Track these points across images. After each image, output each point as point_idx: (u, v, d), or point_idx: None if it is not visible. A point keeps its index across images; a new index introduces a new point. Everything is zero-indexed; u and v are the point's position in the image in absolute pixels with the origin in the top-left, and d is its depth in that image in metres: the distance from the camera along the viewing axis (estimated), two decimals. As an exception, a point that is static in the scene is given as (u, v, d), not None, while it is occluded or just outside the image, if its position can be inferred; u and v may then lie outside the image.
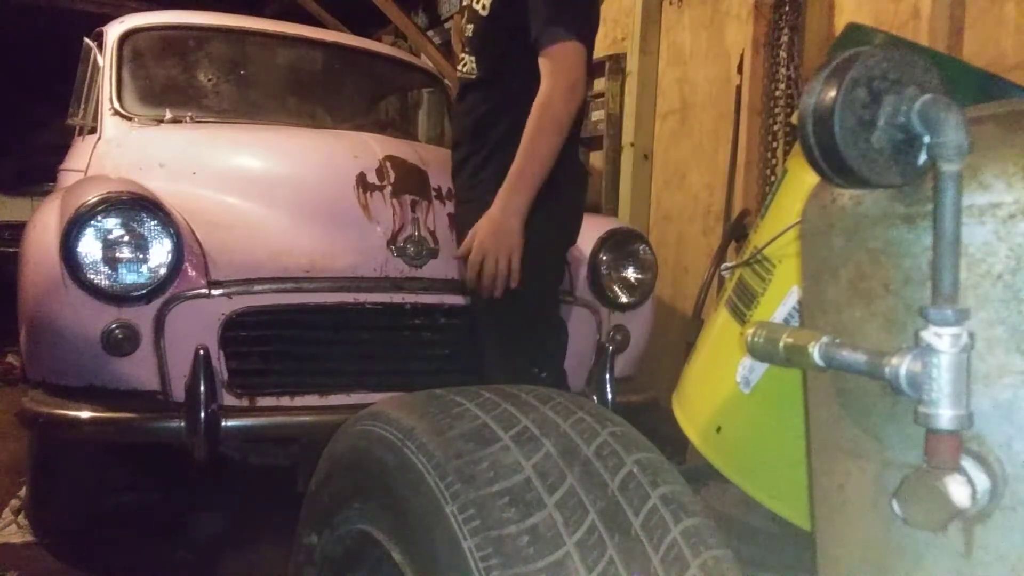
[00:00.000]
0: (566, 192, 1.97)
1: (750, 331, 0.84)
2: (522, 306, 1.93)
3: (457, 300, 2.28)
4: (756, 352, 0.83)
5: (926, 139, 0.70)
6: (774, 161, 3.23)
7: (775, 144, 3.24)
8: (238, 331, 2.09)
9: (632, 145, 4.09)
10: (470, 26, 1.96)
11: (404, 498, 0.79)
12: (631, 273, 2.58)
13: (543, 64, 1.80)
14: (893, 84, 0.70)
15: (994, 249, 0.70)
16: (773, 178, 3.19)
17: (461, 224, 2.03)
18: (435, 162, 2.40)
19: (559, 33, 1.77)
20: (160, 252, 2.01)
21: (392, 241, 2.24)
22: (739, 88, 3.48)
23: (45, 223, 2.09)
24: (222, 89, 3.28)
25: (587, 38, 1.84)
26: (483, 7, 1.90)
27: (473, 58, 1.95)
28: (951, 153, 0.68)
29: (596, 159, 4.34)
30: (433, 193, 2.31)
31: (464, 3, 2.03)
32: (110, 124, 2.90)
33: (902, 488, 0.70)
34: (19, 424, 2.17)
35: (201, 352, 1.99)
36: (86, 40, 3.39)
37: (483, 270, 1.82)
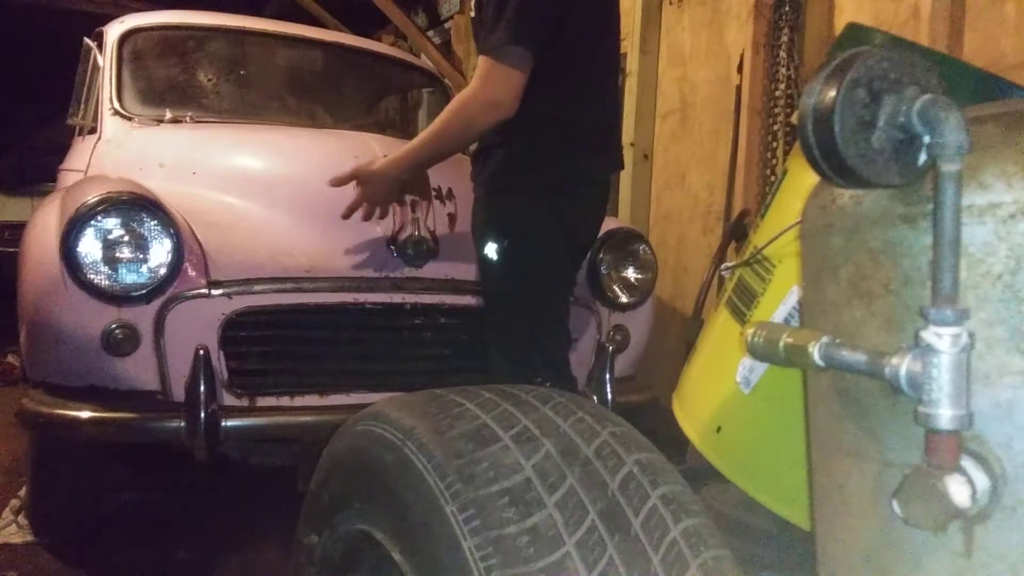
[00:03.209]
0: (574, 194, 1.96)
1: (750, 331, 0.84)
2: (521, 309, 1.92)
3: (457, 300, 2.28)
4: (756, 352, 0.83)
5: (926, 139, 0.70)
6: (774, 161, 3.23)
7: (775, 144, 3.24)
8: (238, 331, 2.09)
9: (632, 145, 4.09)
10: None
11: (404, 498, 0.79)
12: (631, 273, 2.58)
13: (478, 66, 1.83)
14: (893, 84, 0.70)
15: (994, 249, 0.71)
16: (773, 178, 3.19)
17: (472, 218, 2.04)
18: (435, 162, 2.40)
19: (498, 52, 1.78)
20: (160, 252, 2.01)
21: (392, 241, 2.24)
22: (739, 88, 3.48)
23: (45, 223, 2.09)
24: (222, 89, 3.27)
25: (542, 57, 1.79)
26: (471, 9, 1.94)
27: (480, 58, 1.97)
28: (951, 153, 0.68)
29: (596, 159, 4.34)
30: (433, 193, 2.31)
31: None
32: (110, 124, 2.90)
33: (902, 488, 0.70)
34: (19, 424, 2.17)
35: (201, 352, 1.99)
36: (86, 40, 3.39)
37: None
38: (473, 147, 2.05)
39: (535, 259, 1.91)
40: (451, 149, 1.96)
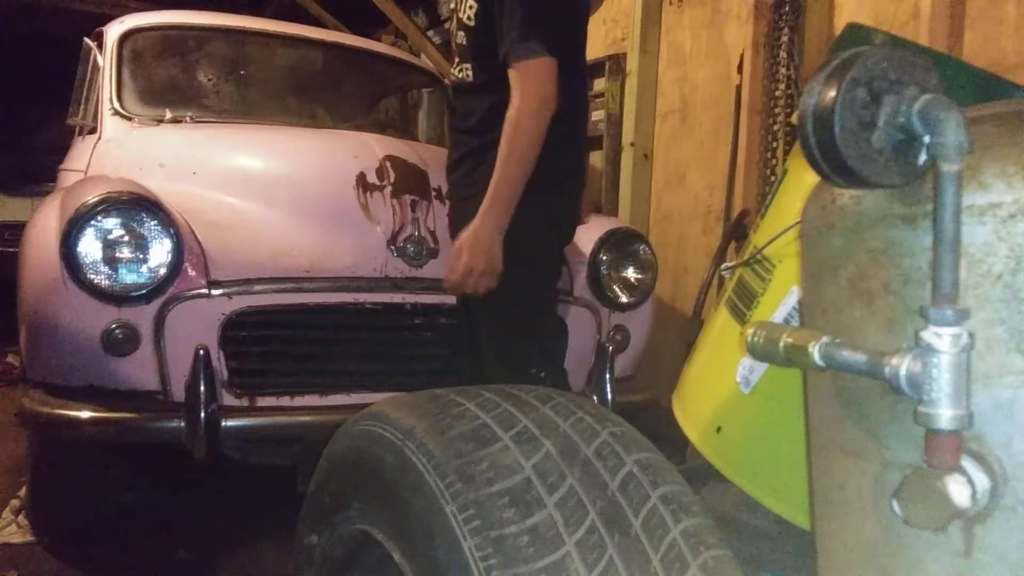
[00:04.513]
0: (564, 191, 1.98)
1: (750, 331, 0.84)
2: (519, 307, 1.94)
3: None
4: (756, 352, 0.83)
5: (926, 139, 0.70)
6: (774, 161, 3.23)
7: (775, 144, 3.24)
8: (238, 331, 2.09)
9: (632, 145, 4.09)
10: (460, 33, 2.00)
11: (404, 498, 0.79)
12: (631, 273, 2.58)
13: (512, 79, 1.83)
14: (893, 84, 0.70)
15: (994, 249, 0.70)
16: (773, 178, 3.18)
17: (455, 220, 2.05)
18: (435, 162, 2.40)
19: (527, 49, 1.80)
20: (160, 252, 2.01)
21: (392, 241, 2.24)
22: (739, 88, 3.48)
23: (45, 223, 2.09)
24: (222, 89, 3.27)
25: (558, 49, 1.83)
26: (468, 18, 1.94)
27: (467, 65, 1.98)
28: (951, 153, 0.68)
29: (596, 159, 4.35)
30: (433, 193, 2.31)
31: (452, 6, 2.05)
32: (110, 124, 2.90)
33: (902, 488, 0.70)
34: (19, 424, 2.17)
35: (201, 352, 1.99)
36: (86, 40, 3.39)
37: (466, 285, 1.88)
38: (454, 155, 2.07)
39: (533, 259, 1.93)
40: (528, 168, 1.84)
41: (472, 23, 1.93)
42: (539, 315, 2.03)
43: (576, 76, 1.96)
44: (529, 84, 1.80)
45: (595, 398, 2.40)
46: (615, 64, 4.26)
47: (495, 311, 1.97)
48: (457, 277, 1.89)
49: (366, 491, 0.89)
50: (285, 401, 2.14)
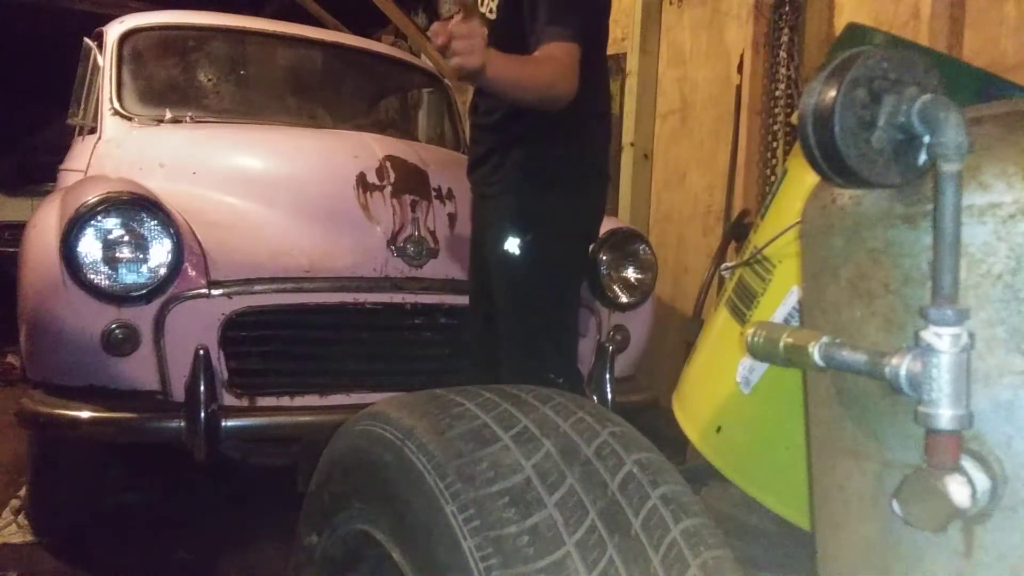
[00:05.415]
0: (590, 193, 1.97)
1: (750, 331, 0.84)
2: (543, 307, 1.91)
3: (457, 300, 2.28)
4: (756, 352, 0.83)
5: (926, 139, 0.70)
6: (774, 161, 3.23)
7: (775, 144, 3.24)
8: (238, 331, 2.09)
9: (632, 145, 4.09)
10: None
11: (404, 498, 0.79)
12: (631, 273, 2.58)
13: (565, 51, 1.75)
14: (893, 84, 0.70)
15: (994, 249, 0.70)
16: (773, 178, 3.19)
17: (482, 218, 2.01)
18: (435, 162, 2.40)
19: (555, 33, 1.76)
20: (160, 252, 2.01)
21: (392, 241, 2.24)
22: (739, 88, 3.48)
23: (45, 223, 2.09)
24: (222, 89, 3.28)
25: (586, 39, 1.81)
26: (490, 11, 1.91)
27: None
28: (951, 153, 0.68)
29: (596, 159, 4.35)
30: (433, 193, 2.31)
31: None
32: (110, 124, 2.90)
33: (902, 488, 0.70)
34: (19, 424, 2.17)
35: (201, 352, 1.99)
36: (86, 40, 3.39)
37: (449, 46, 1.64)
38: (477, 152, 2.04)
39: (560, 257, 1.91)
40: (518, 92, 1.74)
41: (494, 16, 1.90)
42: (563, 317, 1.99)
43: (601, 72, 1.93)
44: (574, 74, 1.75)
45: (595, 398, 2.40)
46: (615, 64, 4.25)
47: (520, 312, 1.94)
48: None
49: (366, 491, 0.89)
50: (285, 401, 2.14)
